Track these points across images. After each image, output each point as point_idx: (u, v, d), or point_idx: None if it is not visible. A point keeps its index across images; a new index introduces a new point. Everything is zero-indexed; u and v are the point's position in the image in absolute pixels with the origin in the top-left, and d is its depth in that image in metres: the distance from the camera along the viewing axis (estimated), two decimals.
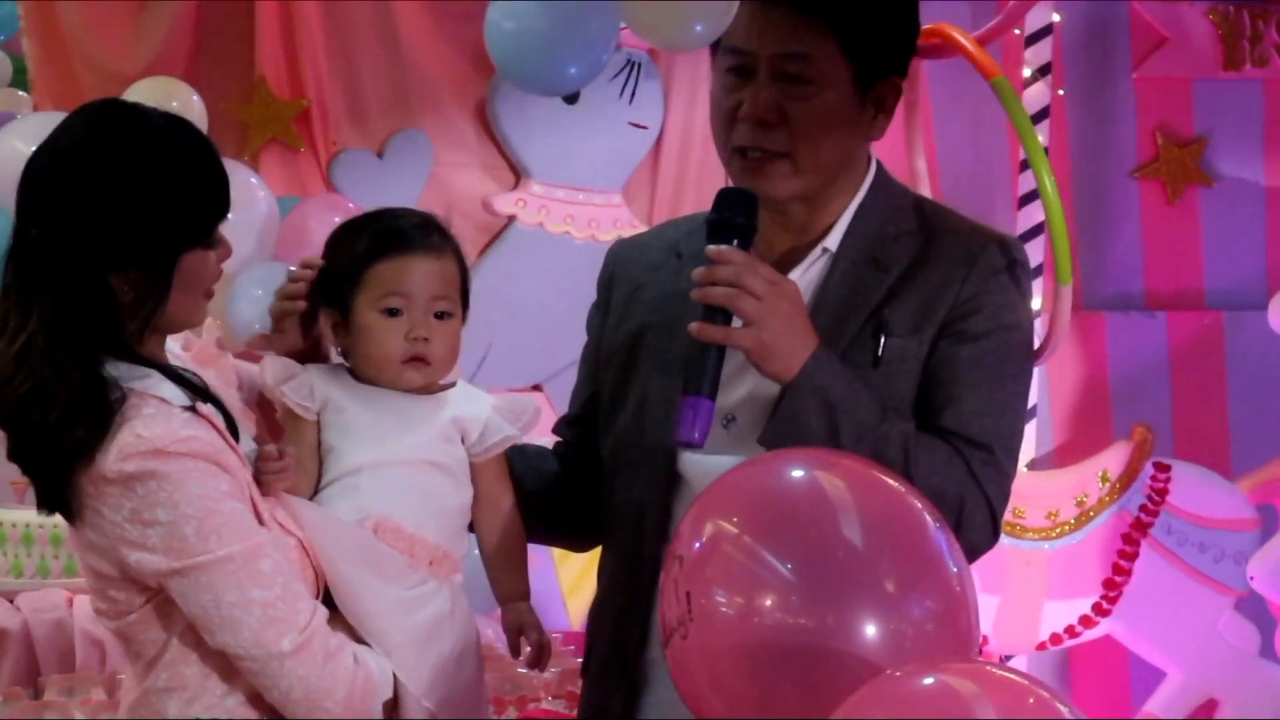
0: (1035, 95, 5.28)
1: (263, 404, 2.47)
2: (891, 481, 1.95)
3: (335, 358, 2.47)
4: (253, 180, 4.97)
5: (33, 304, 2.20)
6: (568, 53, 3.82)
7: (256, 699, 2.27)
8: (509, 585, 2.45)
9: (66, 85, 5.49)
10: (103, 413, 2.17)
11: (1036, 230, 5.22)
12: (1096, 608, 5.26)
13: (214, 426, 2.25)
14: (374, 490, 2.35)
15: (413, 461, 2.33)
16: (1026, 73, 5.31)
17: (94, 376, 2.18)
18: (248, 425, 2.39)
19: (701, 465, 2.35)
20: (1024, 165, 5.30)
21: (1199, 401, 5.70)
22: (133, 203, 2.19)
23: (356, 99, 5.75)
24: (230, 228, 2.31)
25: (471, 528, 2.46)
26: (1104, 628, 5.30)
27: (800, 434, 2.25)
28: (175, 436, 2.18)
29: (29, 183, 2.24)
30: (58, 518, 2.26)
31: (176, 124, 2.27)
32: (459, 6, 5.49)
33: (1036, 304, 4.89)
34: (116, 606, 2.28)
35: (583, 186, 5.91)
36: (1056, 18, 5.41)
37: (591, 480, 2.52)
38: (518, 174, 5.90)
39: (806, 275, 2.41)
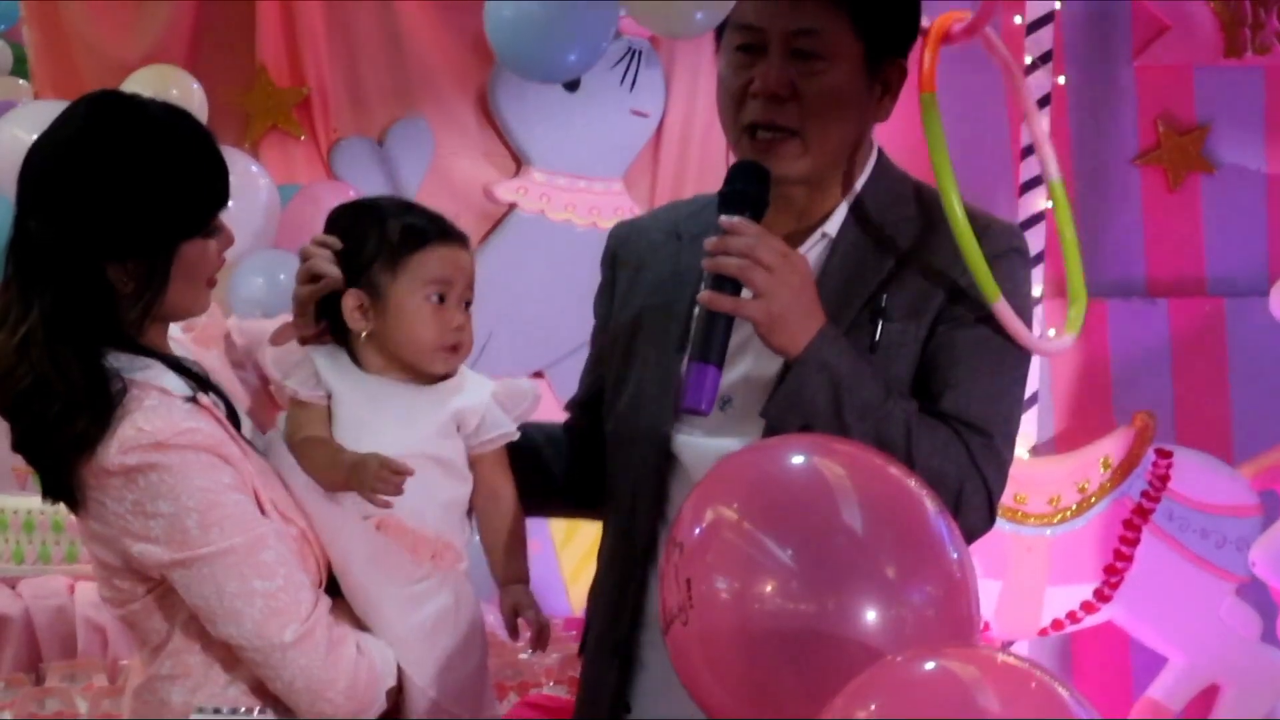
0: (1036, 83, 5.26)
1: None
2: (891, 467, 1.94)
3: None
4: (253, 168, 4.98)
5: (33, 296, 2.20)
6: (566, 40, 3.82)
7: (259, 688, 2.28)
8: (507, 569, 2.44)
9: (67, 74, 5.48)
10: (103, 405, 2.17)
11: (1037, 218, 5.23)
12: (1098, 593, 5.25)
13: (215, 417, 2.25)
14: None
15: (413, 456, 2.33)
16: (1028, 60, 5.30)
17: (94, 369, 2.19)
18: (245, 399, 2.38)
19: (696, 447, 2.36)
20: (1025, 152, 5.30)
21: (1200, 388, 5.69)
22: (130, 194, 2.19)
23: (357, 87, 5.74)
24: (231, 216, 2.31)
25: (470, 513, 2.46)
26: (1105, 613, 5.29)
27: (804, 409, 2.25)
28: (177, 429, 2.18)
29: (27, 175, 2.25)
30: (60, 504, 2.27)
31: (175, 115, 2.27)
32: None
33: (1036, 291, 4.89)
34: (121, 595, 2.28)
35: (584, 174, 5.90)
36: (1058, 5, 5.39)
37: (600, 460, 2.53)
38: (519, 161, 5.89)
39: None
